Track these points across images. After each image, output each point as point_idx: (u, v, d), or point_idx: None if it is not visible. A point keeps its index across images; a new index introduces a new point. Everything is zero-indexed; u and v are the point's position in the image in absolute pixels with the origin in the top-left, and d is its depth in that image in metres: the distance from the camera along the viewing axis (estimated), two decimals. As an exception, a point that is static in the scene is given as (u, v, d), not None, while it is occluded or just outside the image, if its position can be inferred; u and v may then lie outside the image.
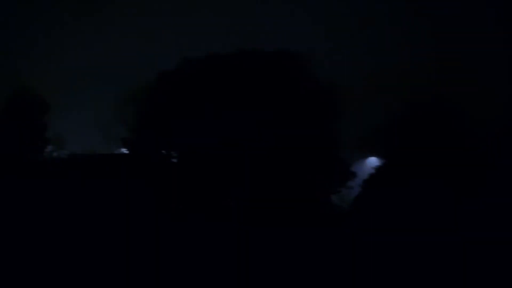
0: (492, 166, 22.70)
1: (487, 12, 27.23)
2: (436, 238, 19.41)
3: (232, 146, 23.59)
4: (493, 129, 24.14)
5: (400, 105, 25.01)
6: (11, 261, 15.71)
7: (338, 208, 24.74)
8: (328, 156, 24.66)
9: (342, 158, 25.37)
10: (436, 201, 21.80)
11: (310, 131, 23.99)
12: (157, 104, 27.02)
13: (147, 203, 23.25)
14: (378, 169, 25.27)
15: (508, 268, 17.13)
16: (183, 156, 27.68)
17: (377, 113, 25.13)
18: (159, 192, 24.15)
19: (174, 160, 28.50)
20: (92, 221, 21.11)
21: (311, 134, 23.95)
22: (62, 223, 20.60)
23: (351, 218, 23.49)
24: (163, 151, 28.36)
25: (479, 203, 20.76)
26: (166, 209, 23.27)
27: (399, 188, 22.97)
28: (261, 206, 22.31)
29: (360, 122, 24.96)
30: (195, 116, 24.89)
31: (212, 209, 22.97)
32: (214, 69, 25.30)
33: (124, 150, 29.79)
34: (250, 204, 22.76)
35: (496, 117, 24.45)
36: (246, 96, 24.28)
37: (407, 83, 25.67)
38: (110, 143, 30.08)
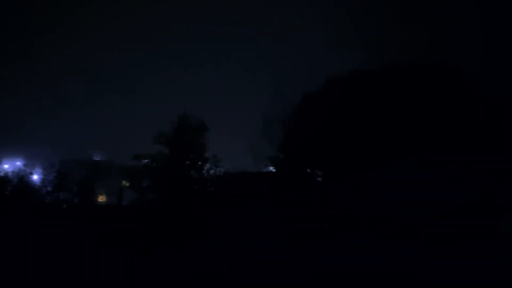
0: None
1: None
2: None
3: (383, 166, 22.44)
4: None
5: None
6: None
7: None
8: (500, 177, 21.58)
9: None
10: None
11: (475, 148, 21.46)
12: (303, 124, 27.62)
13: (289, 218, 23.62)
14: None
15: None
16: (327, 175, 27.62)
17: None
18: (302, 208, 24.33)
19: (319, 179, 28.64)
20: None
21: (477, 152, 21.38)
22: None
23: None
24: (308, 170, 28.75)
25: None
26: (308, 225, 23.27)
27: None
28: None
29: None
30: (341, 134, 24.68)
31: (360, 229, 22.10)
32: (360, 86, 24.72)
33: (272, 168, 31.08)
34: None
35: None
36: (395, 113, 23.00)
37: None
38: (259, 162, 31.79)
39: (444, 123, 22.33)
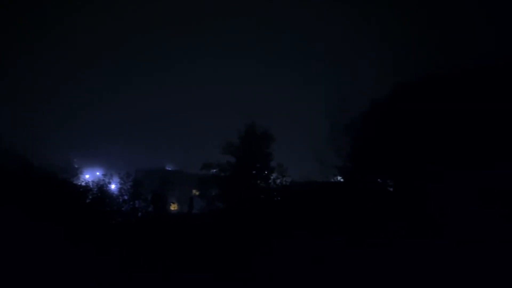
0: None
1: None
2: None
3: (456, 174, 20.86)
4: None
5: None
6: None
7: None
8: None
9: None
10: None
11: None
12: (372, 132, 26.61)
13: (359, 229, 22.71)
14: None
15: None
16: (399, 185, 26.27)
17: None
18: (374, 218, 23.30)
19: (390, 189, 27.33)
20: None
21: None
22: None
23: None
24: (379, 180, 27.55)
25: None
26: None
27: None
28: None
29: None
30: (413, 142, 23.39)
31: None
32: (433, 91, 23.25)
33: (340, 178, 30.21)
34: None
35: None
36: (475, 119, 21.24)
37: None
38: (326, 171, 31.03)
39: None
